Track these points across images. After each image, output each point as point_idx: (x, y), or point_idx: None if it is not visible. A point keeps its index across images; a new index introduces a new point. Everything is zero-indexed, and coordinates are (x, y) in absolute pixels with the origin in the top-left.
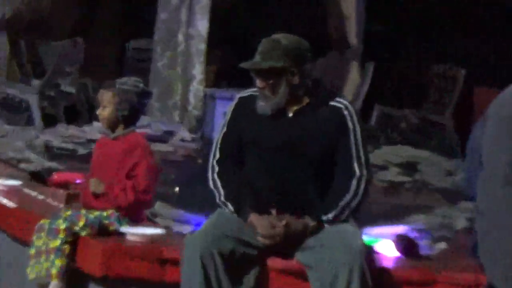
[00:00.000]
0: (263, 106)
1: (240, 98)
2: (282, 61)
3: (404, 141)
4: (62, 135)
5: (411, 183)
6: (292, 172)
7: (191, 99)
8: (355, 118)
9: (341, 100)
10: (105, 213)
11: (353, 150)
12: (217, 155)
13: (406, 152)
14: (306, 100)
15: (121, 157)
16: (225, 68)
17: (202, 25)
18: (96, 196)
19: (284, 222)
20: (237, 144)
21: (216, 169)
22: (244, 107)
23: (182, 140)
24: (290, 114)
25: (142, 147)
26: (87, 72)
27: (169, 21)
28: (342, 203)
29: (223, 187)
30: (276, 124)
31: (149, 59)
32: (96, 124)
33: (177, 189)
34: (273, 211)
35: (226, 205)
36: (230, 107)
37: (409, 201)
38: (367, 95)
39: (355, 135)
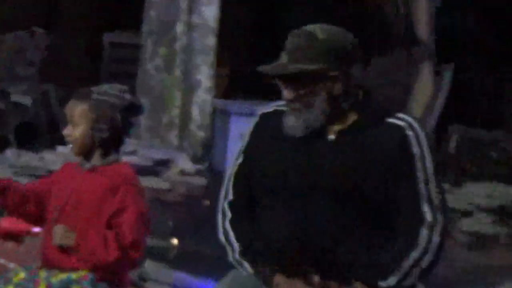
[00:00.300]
0: (292, 125)
1: (263, 115)
2: (318, 62)
3: (496, 177)
4: (13, 164)
5: (507, 236)
6: (334, 221)
7: (195, 115)
8: (423, 141)
9: (403, 116)
10: (74, 275)
11: (422, 187)
12: (230, 196)
13: (499, 193)
14: (353, 117)
15: (100, 197)
16: (243, 72)
17: (209, 11)
18: (63, 250)
19: None
20: (257, 180)
21: (228, 215)
22: (268, 128)
23: (182, 172)
24: (331, 137)
25: (129, 184)
26: (49, 76)
27: (163, 5)
28: (407, 263)
29: (237, 239)
30: (311, 152)
31: (135, 58)
32: (61, 149)
33: (175, 241)
34: (315, 278)
35: (241, 264)
36: (249, 128)
37: (504, 260)
38: (443, 111)
39: (423, 166)
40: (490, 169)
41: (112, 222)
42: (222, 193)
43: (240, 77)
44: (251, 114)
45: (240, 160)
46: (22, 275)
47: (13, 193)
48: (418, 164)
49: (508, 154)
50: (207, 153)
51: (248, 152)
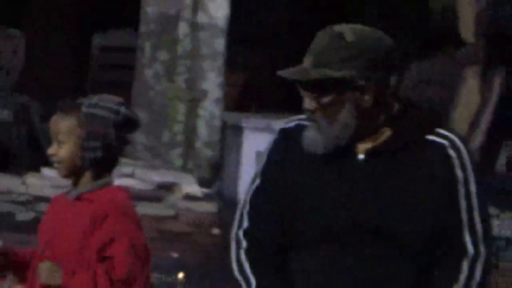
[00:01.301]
0: (311, 140)
1: (283, 131)
2: (344, 68)
3: None
4: None
5: None
6: (370, 264)
7: (202, 130)
8: (467, 162)
9: (445, 133)
10: None
11: (464, 216)
12: (245, 224)
13: None
14: (387, 133)
15: (87, 228)
16: (258, 81)
17: (218, 8)
18: None
19: None
20: (278, 206)
21: (244, 245)
22: (290, 147)
23: (188, 197)
24: (360, 156)
25: (119, 211)
26: (27, 87)
27: (164, 1)
28: None
29: (254, 273)
30: (340, 176)
31: (130, 64)
32: (46, 172)
33: (181, 275)
34: None
35: None
36: (267, 146)
37: None
38: (492, 123)
39: (467, 191)
40: None
41: (101, 255)
42: (236, 220)
43: (254, 88)
44: (267, 130)
45: (257, 183)
46: None
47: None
48: (461, 190)
49: None
50: (216, 175)
51: (267, 174)
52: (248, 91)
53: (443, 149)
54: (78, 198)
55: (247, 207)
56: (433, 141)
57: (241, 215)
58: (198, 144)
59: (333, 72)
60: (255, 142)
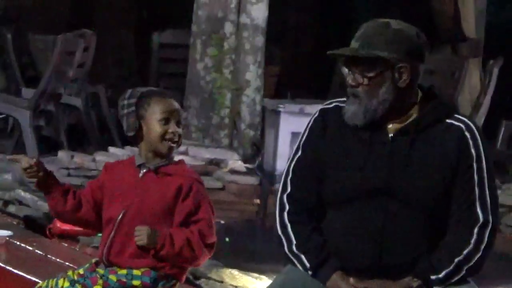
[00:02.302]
0: (352, 113)
1: (323, 111)
2: (390, 50)
3: None
4: (66, 166)
5: None
6: (394, 223)
7: (245, 114)
8: (480, 142)
9: (462, 117)
10: (135, 271)
11: (476, 189)
12: (288, 188)
13: None
14: (413, 116)
15: (173, 197)
16: (291, 73)
17: (259, 11)
18: (141, 251)
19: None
20: (316, 175)
21: (287, 207)
22: (328, 124)
23: (233, 172)
24: (390, 135)
25: (199, 182)
26: (97, 78)
27: (212, 5)
28: (458, 259)
29: (295, 233)
30: (367, 150)
31: (184, 59)
32: (113, 150)
33: (226, 239)
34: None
35: (298, 259)
36: (308, 123)
37: None
38: (491, 106)
39: (479, 167)
40: None
41: (189, 221)
42: (280, 186)
43: (289, 77)
44: (300, 113)
45: (299, 154)
46: (80, 271)
47: (72, 199)
48: (475, 166)
49: None
50: (257, 152)
51: (307, 146)
52: (283, 81)
53: (459, 131)
54: (156, 170)
55: (290, 174)
56: (452, 124)
57: (285, 182)
58: (242, 126)
59: (379, 52)
60: (290, 124)
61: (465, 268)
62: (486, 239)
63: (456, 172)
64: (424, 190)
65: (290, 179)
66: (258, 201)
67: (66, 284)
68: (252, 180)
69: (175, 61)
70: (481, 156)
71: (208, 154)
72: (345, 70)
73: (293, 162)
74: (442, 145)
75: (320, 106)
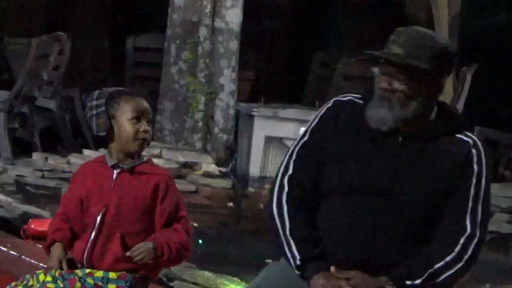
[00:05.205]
0: (381, 117)
1: (336, 102)
2: (434, 65)
3: None
4: (40, 168)
5: None
6: (387, 225)
7: (219, 118)
8: (484, 162)
9: (470, 134)
10: (111, 274)
11: (470, 202)
12: (290, 171)
13: None
14: (427, 124)
15: (151, 195)
16: (265, 77)
17: (233, 15)
18: (122, 257)
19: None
20: (319, 161)
21: (286, 188)
22: (341, 116)
23: (206, 175)
24: (400, 138)
25: (173, 179)
26: (70, 81)
27: (187, 9)
28: (438, 265)
29: (290, 217)
30: (374, 150)
31: (158, 62)
32: (87, 152)
33: (199, 242)
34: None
35: (288, 244)
36: (319, 111)
37: None
38: (463, 112)
39: (478, 183)
40: (510, 171)
41: (171, 219)
42: (282, 168)
43: (263, 81)
44: (274, 117)
45: (305, 138)
46: (57, 273)
47: (70, 236)
48: (474, 180)
49: None
50: (231, 155)
51: (315, 132)
52: (258, 85)
53: (467, 146)
54: (131, 170)
55: (294, 157)
56: (461, 139)
57: (287, 163)
58: (216, 130)
59: (425, 64)
60: (264, 128)
61: (444, 275)
62: (470, 251)
63: (455, 184)
64: (424, 197)
65: (294, 161)
66: (231, 204)
67: (49, 278)
68: (225, 183)
69: (149, 65)
70: (482, 173)
71: (181, 157)
72: (377, 71)
73: (298, 146)
74: (448, 157)
75: (293, 111)
